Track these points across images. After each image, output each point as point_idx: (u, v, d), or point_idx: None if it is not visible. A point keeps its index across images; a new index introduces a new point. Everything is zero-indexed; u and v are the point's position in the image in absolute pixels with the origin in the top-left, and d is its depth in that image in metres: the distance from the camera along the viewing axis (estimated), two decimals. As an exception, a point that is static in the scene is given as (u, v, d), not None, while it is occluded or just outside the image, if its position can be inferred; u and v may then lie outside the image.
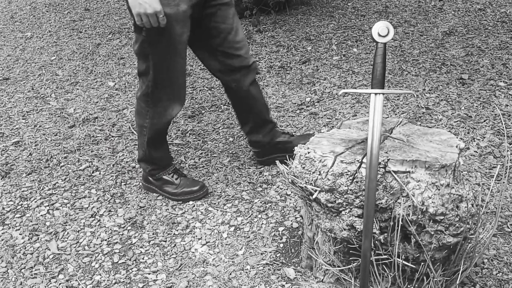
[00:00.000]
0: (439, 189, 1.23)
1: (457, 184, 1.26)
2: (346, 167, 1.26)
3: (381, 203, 1.25)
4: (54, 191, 2.08)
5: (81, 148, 2.42)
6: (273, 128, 2.13)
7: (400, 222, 1.24)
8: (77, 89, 3.08)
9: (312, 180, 1.31)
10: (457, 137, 1.39)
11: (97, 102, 2.90)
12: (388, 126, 1.47)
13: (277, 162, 1.49)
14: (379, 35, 1.28)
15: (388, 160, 1.24)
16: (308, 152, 1.33)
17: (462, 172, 1.29)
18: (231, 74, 1.92)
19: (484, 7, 4.07)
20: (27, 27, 4.25)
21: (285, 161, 1.48)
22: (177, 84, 1.81)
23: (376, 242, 1.29)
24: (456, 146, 1.32)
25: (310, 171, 1.32)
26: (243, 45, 1.91)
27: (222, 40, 1.85)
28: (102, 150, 2.39)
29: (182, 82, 1.83)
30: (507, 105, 2.52)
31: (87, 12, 4.59)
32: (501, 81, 2.77)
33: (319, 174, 1.30)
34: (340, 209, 1.30)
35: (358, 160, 1.26)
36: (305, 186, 1.33)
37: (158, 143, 1.95)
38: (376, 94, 1.29)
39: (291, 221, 1.84)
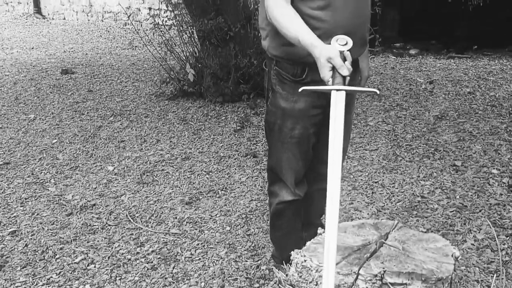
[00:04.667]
0: (436, 302, 1.22)
1: (455, 295, 1.26)
2: (343, 279, 1.26)
3: (379, 316, 1.24)
4: (48, 286, 2.05)
5: (77, 238, 2.41)
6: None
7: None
8: (77, 173, 3.11)
9: (309, 290, 1.31)
10: (451, 245, 1.40)
11: (95, 188, 2.92)
12: (383, 231, 1.48)
13: (274, 268, 1.49)
14: (339, 44, 1.38)
15: (385, 271, 1.25)
16: (305, 261, 1.34)
17: (458, 283, 1.28)
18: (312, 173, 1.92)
19: (473, 91, 4.23)
20: (30, 108, 4.37)
21: (282, 266, 1.48)
22: (284, 176, 1.81)
23: None
24: (452, 255, 1.33)
25: (307, 280, 1.32)
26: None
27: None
28: (98, 241, 2.38)
29: (289, 177, 1.81)
30: (501, 194, 2.55)
31: (90, 94, 4.73)
32: (494, 168, 2.82)
33: (315, 285, 1.29)
34: (338, 321, 1.28)
35: (354, 272, 1.26)
36: (302, 296, 1.32)
37: (277, 226, 1.93)
38: (337, 90, 1.33)
39: (289, 321, 1.80)
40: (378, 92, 1.42)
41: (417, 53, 5.65)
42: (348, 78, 1.37)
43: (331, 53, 1.37)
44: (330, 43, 1.43)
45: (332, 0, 1.57)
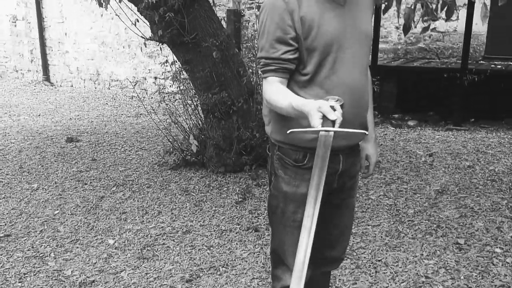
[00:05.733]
0: None
1: None
2: None
3: None
4: None
5: (75, 318, 2.35)
6: None
7: None
8: (77, 247, 3.09)
9: None
10: None
11: (95, 263, 2.89)
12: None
13: None
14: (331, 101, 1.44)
15: None
16: None
17: None
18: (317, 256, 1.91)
19: (473, 164, 4.28)
20: (34, 177, 4.41)
21: None
22: (287, 259, 1.80)
23: None
24: None
25: None
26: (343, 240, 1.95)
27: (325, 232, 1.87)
28: (96, 321, 2.33)
29: (293, 261, 1.79)
30: (506, 275, 2.51)
31: (93, 162, 4.79)
32: (497, 247, 2.81)
33: None
34: None
35: None
36: None
37: None
38: (326, 131, 1.37)
39: None
40: (366, 133, 1.46)
41: (415, 124, 5.77)
42: (337, 124, 1.41)
43: (320, 103, 1.43)
44: None
45: (330, 89, 1.65)
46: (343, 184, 1.82)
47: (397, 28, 6.68)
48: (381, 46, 6.55)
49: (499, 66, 5.65)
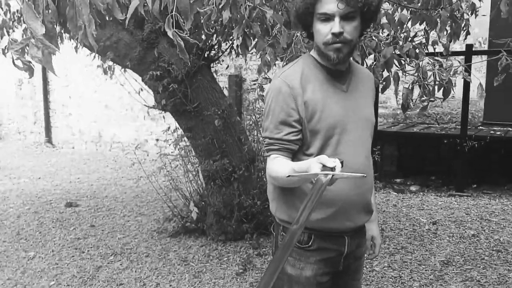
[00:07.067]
0: None
1: None
2: None
3: None
4: None
5: None
6: None
7: None
8: (71, 323, 2.97)
9: None
10: None
11: None
12: None
13: None
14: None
15: None
16: None
17: None
18: None
19: (477, 233, 4.21)
20: (31, 245, 4.32)
21: None
22: None
23: None
24: None
25: None
26: None
27: None
28: None
29: None
30: None
31: (92, 229, 4.71)
32: (508, 326, 2.70)
33: None
34: None
35: None
36: None
37: None
38: (325, 175, 1.35)
39: None
40: (365, 175, 1.43)
41: (417, 189, 5.75)
42: (337, 170, 1.40)
43: (319, 156, 1.44)
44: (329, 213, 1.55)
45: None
46: (347, 266, 1.78)
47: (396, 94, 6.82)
48: (380, 111, 6.66)
49: (499, 132, 5.70)
